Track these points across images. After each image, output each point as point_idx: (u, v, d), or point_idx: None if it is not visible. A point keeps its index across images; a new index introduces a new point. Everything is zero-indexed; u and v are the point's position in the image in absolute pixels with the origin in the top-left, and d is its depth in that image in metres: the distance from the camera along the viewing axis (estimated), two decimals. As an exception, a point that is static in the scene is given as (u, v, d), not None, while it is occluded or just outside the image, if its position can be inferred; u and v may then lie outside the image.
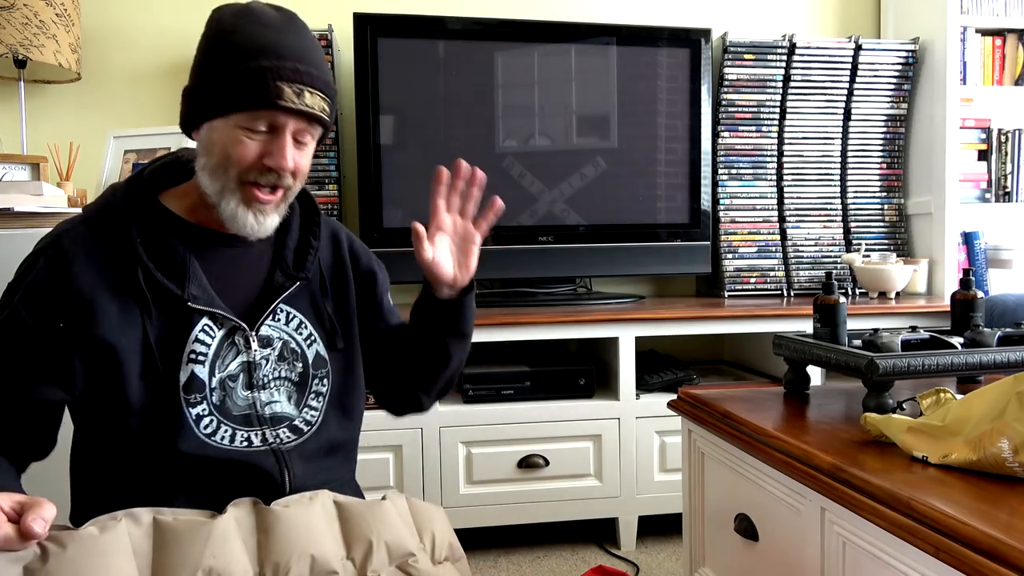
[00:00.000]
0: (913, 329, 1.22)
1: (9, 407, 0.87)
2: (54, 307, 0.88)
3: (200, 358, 0.92)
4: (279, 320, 0.99)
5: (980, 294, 1.29)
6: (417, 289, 1.13)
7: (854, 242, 2.55)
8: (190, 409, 0.91)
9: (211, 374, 0.93)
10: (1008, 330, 1.19)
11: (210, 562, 0.69)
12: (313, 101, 0.91)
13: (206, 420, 0.91)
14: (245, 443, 0.93)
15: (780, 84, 2.48)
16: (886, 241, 2.58)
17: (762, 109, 2.49)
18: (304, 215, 1.08)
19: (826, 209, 2.55)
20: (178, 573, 0.68)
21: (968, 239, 2.53)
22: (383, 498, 0.90)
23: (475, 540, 2.07)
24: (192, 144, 0.97)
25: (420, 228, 1.03)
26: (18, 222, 1.67)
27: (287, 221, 1.05)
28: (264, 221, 0.95)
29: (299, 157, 0.95)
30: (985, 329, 1.18)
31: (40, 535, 0.67)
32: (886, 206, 2.59)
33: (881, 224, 2.59)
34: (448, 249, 1.07)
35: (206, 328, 0.93)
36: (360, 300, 1.11)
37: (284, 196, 0.97)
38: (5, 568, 0.64)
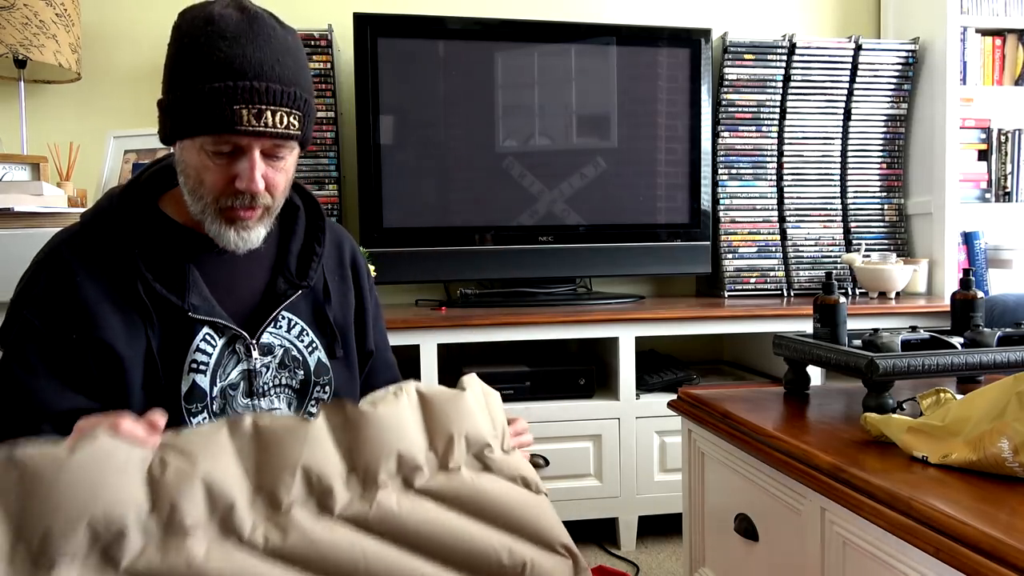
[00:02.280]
0: (913, 329, 1.21)
1: (33, 419, 0.85)
2: (64, 318, 0.87)
3: (201, 367, 0.92)
4: (280, 327, 0.99)
5: (980, 294, 1.29)
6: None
7: (854, 242, 2.55)
8: (191, 419, 0.90)
9: (212, 383, 0.92)
10: (1008, 330, 1.19)
11: (307, 460, 0.74)
12: (276, 119, 0.87)
13: None
14: None
15: (780, 84, 2.48)
16: (886, 241, 2.58)
17: (762, 109, 2.49)
18: (309, 220, 1.07)
19: (826, 209, 2.55)
20: (279, 471, 0.73)
21: (968, 239, 2.53)
22: (460, 385, 0.91)
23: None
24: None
25: None
26: (18, 222, 1.67)
27: (292, 226, 1.04)
28: (248, 236, 0.93)
29: (273, 174, 0.91)
30: (985, 329, 1.18)
31: (160, 425, 0.73)
32: (886, 206, 2.59)
33: (881, 224, 2.59)
34: None
35: (207, 337, 0.93)
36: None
37: (267, 211, 0.94)
38: (133, 450, 0.68)
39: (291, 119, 0.89)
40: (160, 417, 0.73)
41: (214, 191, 0.89)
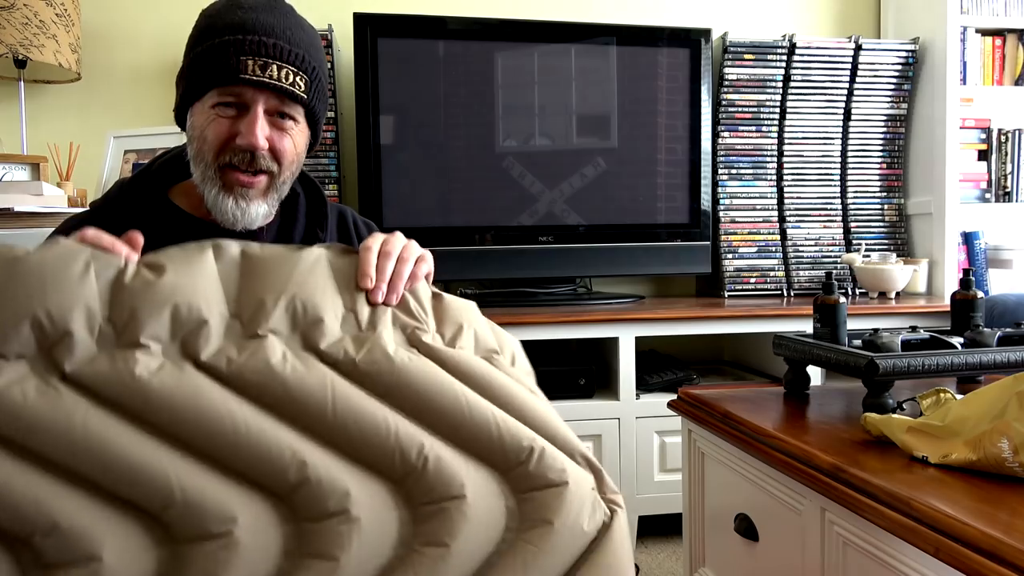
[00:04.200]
0: (913, 329, 1.22)
1: None
2: None
3: None
4: None
5: (980, 294, 1.29)
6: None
7: (854, 242, 2.55)
8: None
9: None
10: (1008, 330, 1.19)
11: (294, 290, 0.68)
12: (281, 75, 0.88)
13: None
14: None
15: (780, 84, 2.48)
16: (886, 241, 2.58)
17: (762, 109, 2.49)
18: (311, 207, 1.07)
19: (826, 209, 2.55)
20: (264, 297, 0.67)
21: (968, 239, 2.53)
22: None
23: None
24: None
25: None
26: (18, 222, 1.67)
27: (293, 213, 1.04)
28: (247, 208, 0.92)
29: (279, 139, 0.92)
30: (985, 329, 1.18)
31: (139, 242, 0.69)
32: (886, 206, 2.59)
33: (881, 224, 2.59)
34: None
35: None
36: None
37: (270, 183, 0.94)
38: (107, 258, 0.65)
39: (297, 79, 0.90)
40: (138, 236, 0.70)
41: (214, 144, 0.90)
